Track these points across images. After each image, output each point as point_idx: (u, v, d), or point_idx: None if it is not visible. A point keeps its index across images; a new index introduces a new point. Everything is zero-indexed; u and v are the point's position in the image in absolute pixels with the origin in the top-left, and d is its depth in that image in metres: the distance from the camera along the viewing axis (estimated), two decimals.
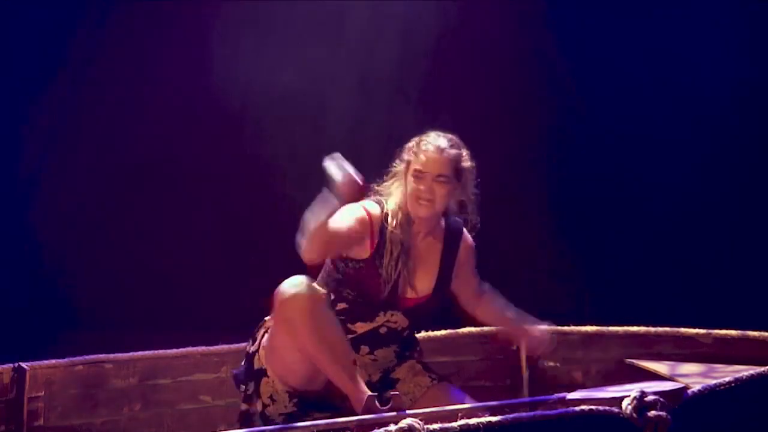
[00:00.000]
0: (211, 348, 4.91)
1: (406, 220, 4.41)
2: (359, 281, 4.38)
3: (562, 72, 6.71)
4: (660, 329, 5.15)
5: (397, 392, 4.15)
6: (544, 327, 4.65)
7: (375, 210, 4.41)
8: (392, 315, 4.44)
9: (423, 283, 4.47)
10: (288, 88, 6.65)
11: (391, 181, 4.48)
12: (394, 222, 4.39)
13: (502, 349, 5.32)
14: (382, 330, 4.44)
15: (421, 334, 5.19)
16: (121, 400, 4.88)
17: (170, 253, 6.65)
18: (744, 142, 6.56)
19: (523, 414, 3.42)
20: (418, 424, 3.33)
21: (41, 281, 6.51)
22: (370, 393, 4.14)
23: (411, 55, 6.73)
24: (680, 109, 6.62)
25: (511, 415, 3.40)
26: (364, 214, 4.37)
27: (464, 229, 4.61)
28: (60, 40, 6.51)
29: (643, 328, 5.18)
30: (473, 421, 3.35)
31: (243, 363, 4.42)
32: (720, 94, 6.55)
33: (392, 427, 3.35)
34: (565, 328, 5.30)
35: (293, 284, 4.20)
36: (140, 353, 4.94)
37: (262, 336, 4.36)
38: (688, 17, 6.56)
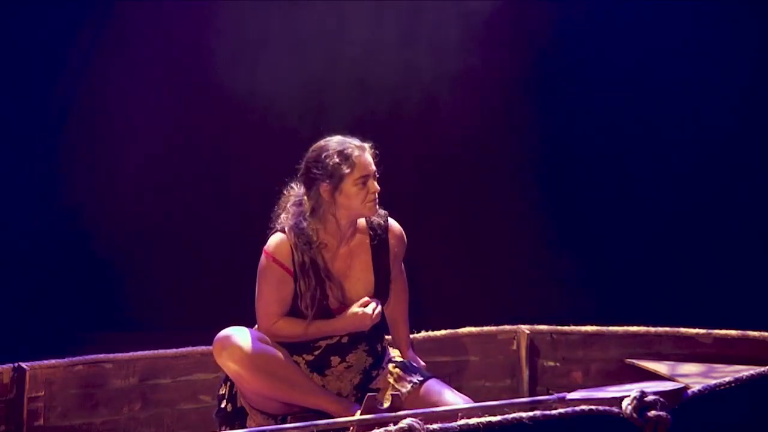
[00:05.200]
0: (211, 348, 4.91)
1: (317, 236, 4.40)
2: (298, 308, 4.42)
3: (562, 69, 6.71)
4: (660, 329, 5.15)
5: (374, 393, 4.22)
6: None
7: (282, 246, 4.41)
8: None
9: (363, 283, 4.47)
10: (289, 89, 6.66)
11: (291, 208, 4.45)
12: (305, 244, 4.39)
13: (502, 349, 5.32)
14: (344, 339, 4.46)
15: (421, 334, 5.20)
16: (121, 400, 4.88)
17: (170, 252, 6.65)
18: (744, 141, 6.56)
19: (523, 414, 3.41)
20: (418, 424, 3.32)
21: (41, 281, 6.51)
22: (347, 400, 4.31)
23: (409, 55, 6.73)
24: (680, 109, 6.62)
25: (511, 415, 3.40)
26: (273, 266, 4.40)
27: (390, 220, 4.57)
28: (61, 39, 6.51)
29: (643, 328, 5.18)
30: (473, 421, 3.35)
31: (218, 407, 4.50)
32: (719, 93, 6.54)
33: (392, 427, 3.35)
34: (565, 328, 5.30)
35: (219, 342, 4.32)
36: (140, 353, 4.94)
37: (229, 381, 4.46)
38: (690, 13, 6.56)
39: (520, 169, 6.80)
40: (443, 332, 5.27)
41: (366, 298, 4.40)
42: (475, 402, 4.38)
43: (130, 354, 4.93)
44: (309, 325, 4.39)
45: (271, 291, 4.40)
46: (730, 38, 6.55)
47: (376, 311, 4.39)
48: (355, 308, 4.39)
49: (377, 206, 4.42)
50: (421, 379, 4.47)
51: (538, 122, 6.77)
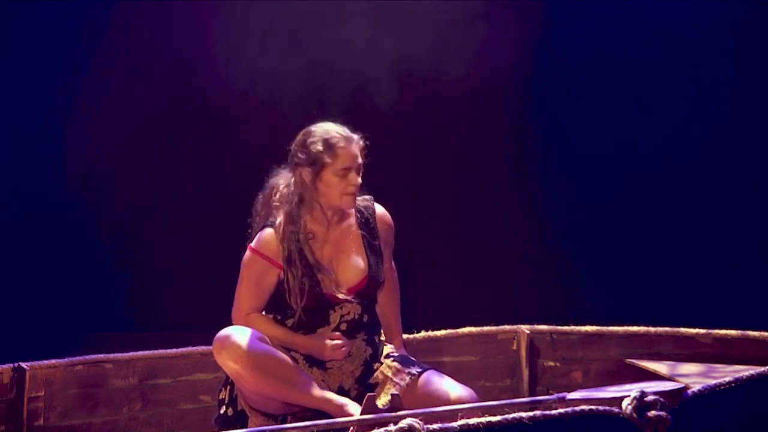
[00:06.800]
0: (211, 348, 4.91)
1: (304, 227, 4.42)
2: (282, 298, 4.43)
3: (563, 67, 6.70)
4: (660, 329, 5.15)
5: (374, 394, 4.24)
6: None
7: (270, 242, 4.42)
8: (342, 308, 4.45)
9: (355, 268, 4.48)
10: (289, 86, 6.67)
11: (285, 189, 4.47)
12: (292, 233, 4.41)
13: (502, 349, 5.32)
14: (342, 326, 4.46)
15: (421, 334, 5.20)
16: (121, 400, 4.88)
17: (171, 252, 6.65)
18: (744, 142, 6.56)
19: (523, 414, 3.41)
20: (418, 424, 3.32)
21: (41, 281, 6.51)
22: (344, 400, 4.29)
23: (407, 54, 6.73)
24: (681, 109, 6.62)
25: (511, 415, 3.40)
26: (257, 259, 4.41)
27: (376, 205, 4.60)
28: (61, 38, 6.52)
29: (643, 328, 5.18)
30: (473, 421, 3.35)
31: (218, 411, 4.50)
32: (721, 92, 6.54)
33: (392, 427, 3.35)
34: (565, 328, 5.30)
35: (218, 341, 4.31)
36: (140, 353, 4.94)
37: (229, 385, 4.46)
38: (690, 12, 6.55)
39: (521, 168, 6.79)
40: (443, 332, 5.27)
41: (338, 333, 4.41)
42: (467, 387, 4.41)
43: (130, 354, 4.92)
44: (280, 328, 4.41)
45: (252, 283, 4.42)
46: (730, 36, 6.55)
47: (340, 349, 4.40)
48: (326, 338, 4.41)
49: (356, 199, 4.43)
50: (419, 370, 4.48)
51: (538, 121, 6.77)
